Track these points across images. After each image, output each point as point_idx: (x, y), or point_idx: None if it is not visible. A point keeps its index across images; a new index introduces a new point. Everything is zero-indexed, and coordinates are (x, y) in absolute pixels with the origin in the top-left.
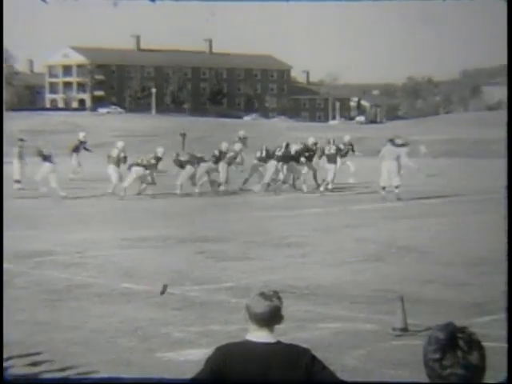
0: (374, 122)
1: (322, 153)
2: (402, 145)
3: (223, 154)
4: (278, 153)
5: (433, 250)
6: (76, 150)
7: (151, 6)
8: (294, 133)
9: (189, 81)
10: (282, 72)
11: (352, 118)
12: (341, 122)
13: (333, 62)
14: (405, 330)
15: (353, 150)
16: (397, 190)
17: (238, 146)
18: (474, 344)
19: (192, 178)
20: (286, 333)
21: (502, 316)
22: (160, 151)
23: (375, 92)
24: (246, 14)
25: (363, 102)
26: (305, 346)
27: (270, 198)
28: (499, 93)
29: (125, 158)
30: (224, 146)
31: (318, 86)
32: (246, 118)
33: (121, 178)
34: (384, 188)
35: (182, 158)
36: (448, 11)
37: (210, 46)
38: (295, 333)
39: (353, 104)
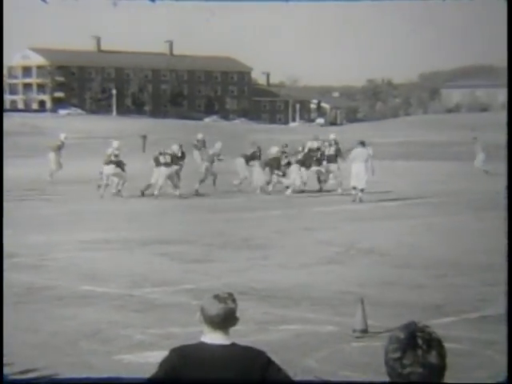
0: (333, 124)
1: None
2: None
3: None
4: (299, 157)
5: (393, 253)
6: (57, 150)
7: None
8: (255, 135)
9: (149, 82)
10: (242, 74)
11: (312, 120)
12: (301, 124)
13: (294, 64)
14: (365, 331)
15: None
16: (360, 194)
17: (218, 145)
18: (433, 343)
19: (171, 178)
20: (247, 335)
21: (461, 317)
22: (175, 148)
23: (335, 94)
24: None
25: (323, 104)
26: (266, 348)
27: (231, 200)
28: (457, 95)
29: (116, 156)
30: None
31: (279, 88)
32: (207, 120)
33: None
34: (355, 188)
35: (162, 158)
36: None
37: (171, 48)
38: (256, 335)
39: (313, 106)
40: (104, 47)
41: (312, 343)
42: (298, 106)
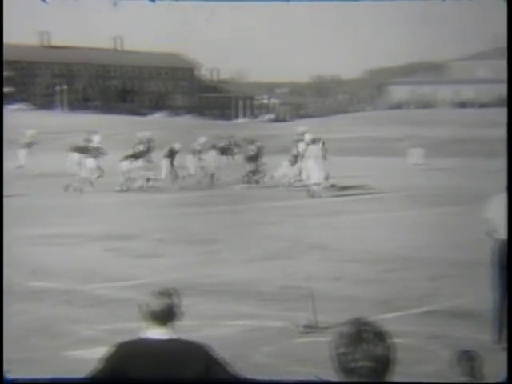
0: (282, 120)
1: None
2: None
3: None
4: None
5: (341, 248)
6: (26, 146)
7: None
8: (203, 130)
9: (98, 78)
10: (190, 70)
11: (261, 116)
12: (250, 119)
13: (242, 60)
14: (314, 326)
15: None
16: (315, 187)
17: (177, 146)
18: (379, 336)
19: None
20: (196, 330)
21: (408, 312)
22: (177, 146)
23: (284, 90)
24: (158, 12)
25: (272, 100)
26: (215, 343)
27: (183, 195)
28: (404, 92)
29: (97, 149)
30: (176, 145)
31: (227, 84)
32: (156, 116)
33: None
34: (312, 184)
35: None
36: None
37: (119, 44)
38: (205, 330)
39: (262, 102)
40: (54, 42)
41: (261, 338)
42: (247, 101)
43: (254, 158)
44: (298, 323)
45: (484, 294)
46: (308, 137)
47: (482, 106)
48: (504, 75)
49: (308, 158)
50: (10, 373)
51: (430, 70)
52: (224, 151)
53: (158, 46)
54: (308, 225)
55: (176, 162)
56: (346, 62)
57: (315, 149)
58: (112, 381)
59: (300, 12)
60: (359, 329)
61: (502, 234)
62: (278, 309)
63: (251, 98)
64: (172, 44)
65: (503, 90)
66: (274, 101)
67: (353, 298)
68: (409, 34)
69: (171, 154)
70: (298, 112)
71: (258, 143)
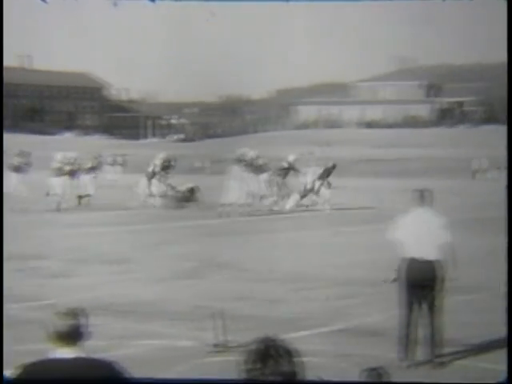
0: (190, 140)
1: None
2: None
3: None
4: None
5: (250, 267)
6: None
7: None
8: (113, 150)
9: (8, 97)
10: (100, 89)
11: (170, 136)
12: (159, 139)
13: (153, 80)
14: (223, 345)
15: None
16: (229, 208)
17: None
18: (287, 353)
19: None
20: (105, 350)
21: (318, 331)
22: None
23: (193, 110)
24: (64, 30)
25: (181, 120)
26: (125, 363)
27: (91, 214)
28: (311, 112)
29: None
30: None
31: (137, 103)
32: (65, 136)
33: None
34: (225, 205)
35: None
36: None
37: (29, 63)
38: (115, 350)
39: (171, 122)
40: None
41: (171, 358)
42: (156, 121)
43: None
44: (208, 342)
45: (391, 313)
46: (247, 155)
47: (388, 126)
48: (409, 96)
49: (231, 178)
50: None
51: (337, 91)
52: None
53: (68, 66)
54: (218, 244)
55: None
56: (254, 82)
57: (237, 169)
58: (112, 381)
59: (201, 32)
60: (267, 345)
61: (409, 253)
62: (188, 328)
63: (160, 118)
64: (81, 63)
65: (409, 110)
66: (182, 121)
67: (262, 317)
68: (313, 55)
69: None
70: (207, 132)
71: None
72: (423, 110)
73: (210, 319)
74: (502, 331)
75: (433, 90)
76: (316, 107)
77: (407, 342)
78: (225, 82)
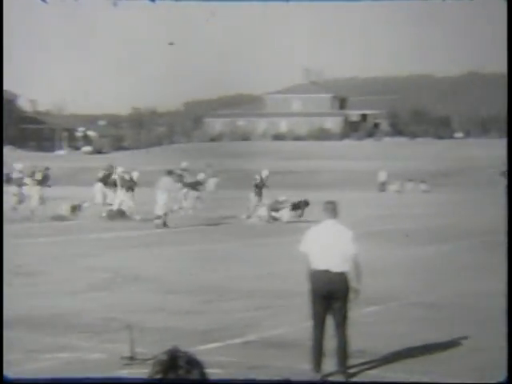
0: (100, 152)
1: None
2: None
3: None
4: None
5: (159, 279)
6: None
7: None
8: (21, 162)
9: None
10: (10, 101)
11: (79, 148)
12: (68, 151)
13: (60, 91)
14: (133, 358)
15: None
16: (158, 221)
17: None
18: (193, 363)
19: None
20: (17, 364)
21: (226, 343)
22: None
23: (101, 122)
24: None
25: (90, 133)
26: (37, 377)
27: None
28: (220, 124)
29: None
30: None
31: (48, 115)
32: None
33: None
34: (160, 217)
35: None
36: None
37: None
38: (25, 364)
39: (79, 134)
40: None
41: (82, 371)
42: (66, 133)
43: None
44: (119, 355)
45: (302, 324)
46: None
47: (298, 138)
48: (318, 109)
49: (157, 190)
50: None
51: (246, 103)
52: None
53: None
54: (129, 256)
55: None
56: (163, 95)
57: (167, 181)
58: (112, 381)
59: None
60: (170, 357)
61: (317, 264)
62: (99, 341)
63: (71, 130)
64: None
65: (318, 122)
66: (92, 133)
67: (174, 329)
68: (222, 67)
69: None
70: (117, 144)
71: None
72: (332, 123)
73: (121, 331)
74: (410, 341)
75: (341, 102)
76: (224, 119)
77: (319, 353)
78: (134, 93)
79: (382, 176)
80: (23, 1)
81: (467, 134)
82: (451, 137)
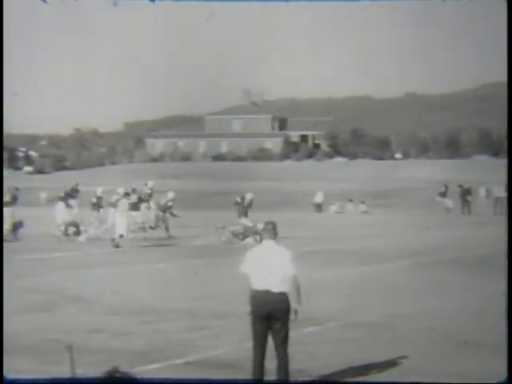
0: (41, 172)
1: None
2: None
3: None
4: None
5: (100, 300)
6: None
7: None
8: None
9: None
10: None
11: (20, 168)
12: (9, 171)
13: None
14: (73, 379)
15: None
16: (118, 240)
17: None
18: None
19: None
20: None
21: (167, 363)
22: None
23: (43, 142)
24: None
25: (31, 153)
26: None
27: None
28: (160, 145)
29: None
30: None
31: None
32: None
33: None
34: (121, 236)
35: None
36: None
37: None
38: None
39: (21, 154)
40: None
41: None
42: (7, 153)
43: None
44: (61, 376)
45: (242, 344)
46: (121, 191)
47: (237, 159)
48: (257, 129)
49: (117, 211)
50: None
51: (187, 124)
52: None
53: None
54: (67, 277)
55: None
56: (104, 116)
57: (125, 202)
58: (112, 381)
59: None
60: (112, 377)
61: (256, 285)
62: (37, 362)
63: (12, 150)
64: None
65: (258, 143)
66: (32, 153)
67: (114, 349)
68: (163, 88)
69: None
70: (58, 164)
71: None
72: (272, 144)
73: (60, 353)
74: (349, 361)
75: (281, 123)
76: (166, 140)
77: (259, 372)
78: (76, 114)
79: (319, 197)
80: (23, 1)
81: (406, 155)
82: (391, 157)
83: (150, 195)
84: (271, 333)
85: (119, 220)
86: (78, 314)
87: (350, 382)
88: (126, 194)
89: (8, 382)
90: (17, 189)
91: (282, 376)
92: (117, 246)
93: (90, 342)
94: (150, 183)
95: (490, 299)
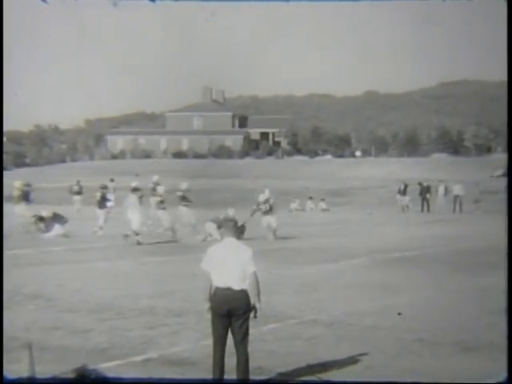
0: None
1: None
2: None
3: None
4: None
5: (59, 297)
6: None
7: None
8: None
9: None
10: None
11: None
12: None
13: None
14: (32, 378)
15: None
16: (137, 237)
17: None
18: (101, 381)
19: None
20: None
21: (126, 361)
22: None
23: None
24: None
25: None
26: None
27: None
28: (121, 142)
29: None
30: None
31: None
32: None
33: None
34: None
35: None
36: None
37: None
38: None
39: None
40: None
41: None
42: None
43: None
44: (20, 374)
45: (201, 342)
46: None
47: (197, 156)
48: (218, 127)
49: (128, 209)
50: None
51: (147, 121)
52: None
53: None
54: (25, 275)
55: None
56: (64, 112)
57: (134, 198)
58: (111, 380)
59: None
60: (81, 374)
61: (216, 282)
62: None
63: None
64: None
65: (218, 140)
66: None
67: (73, 347)
68: (122, 85)
69: None
70: (18, 161)
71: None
72: (233, 141)
73: (18, 350)
74: (307, 359)
75: (241, 120)
76: (126, 137)
77: (219, 370)
78: (34, 111)
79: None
80: (23, 1)
81: (366, 153)
82: (351, 155)
83: (155, 190)
84: (231, 330)
85: (133, 216)
86: (37, 312)
87: (351, 382)
88: (136, 190)
89: (8, 381)
90: (28, 185)
91: (242, 373)
92: (138, 243)
93: (49, 340)
94: (155, 177)
95: (451, 295)
